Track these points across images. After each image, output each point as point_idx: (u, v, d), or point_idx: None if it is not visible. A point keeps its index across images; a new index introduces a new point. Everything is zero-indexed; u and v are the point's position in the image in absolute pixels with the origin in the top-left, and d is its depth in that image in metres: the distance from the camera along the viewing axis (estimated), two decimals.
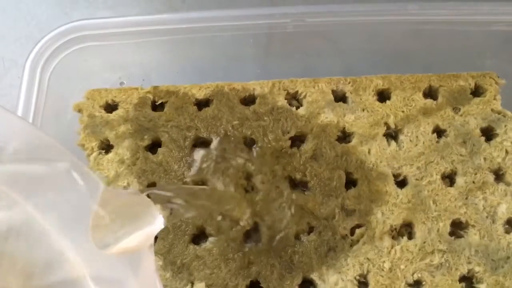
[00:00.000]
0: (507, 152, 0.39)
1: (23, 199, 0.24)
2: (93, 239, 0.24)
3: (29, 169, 0.24)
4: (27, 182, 0.24)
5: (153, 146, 0.40)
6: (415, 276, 0.35)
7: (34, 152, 0.25)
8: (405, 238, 0.36)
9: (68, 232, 0.24)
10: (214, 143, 0.39)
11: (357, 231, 0.36)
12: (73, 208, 0.25)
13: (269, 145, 0.39)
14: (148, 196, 0.33)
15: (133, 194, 0.27)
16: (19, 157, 0.24)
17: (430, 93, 0.42)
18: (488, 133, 0.40)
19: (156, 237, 0.35)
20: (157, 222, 0.26)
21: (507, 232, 0.37)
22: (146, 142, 0.39)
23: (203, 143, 0.40)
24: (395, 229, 0.37)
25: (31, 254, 0.24)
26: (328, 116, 0.40)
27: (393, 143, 0.39)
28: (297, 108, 0.41)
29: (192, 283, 0.35)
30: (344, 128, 0.40)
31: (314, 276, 0.35)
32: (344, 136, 0.40)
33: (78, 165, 0.25)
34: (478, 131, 0.39)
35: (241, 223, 0.36)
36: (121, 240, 0.25)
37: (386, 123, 0.40)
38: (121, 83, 0.45)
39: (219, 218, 0.36)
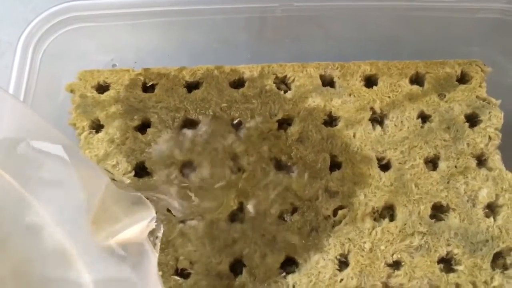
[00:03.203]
0: (490, 138, 0.39)
1: (25, 190, 0.24)
2: (91, 231, 0.24)
3: (33, 160, 0.25)
4: (31, 173, 0.25)
5: (143, 127, 0.40)
6: (395, 257, 0.36)
7: (39, 145, 0.25)
8: (386, 220, 0.37)
9: (67, 225, 0.24)
10: (203, 125, 0.40)
11: (340, 212, 0.37)
12: (73, 202, 0.25)
13: (257, 127, 0.39)
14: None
15: (131, 190, 0.27)
16: (25, 149, 0.25)
17: (417, 80, 0.42)
18: (472, 120, 0.41)
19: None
20: (153, 217, 0.27)
21: (486, 216, 0.37)
22: (136, 122, 0.40)
23: (192, 124, 0.40)
24: (377, 211, 0.37)
25: (28, 246, 0.24)
26: (315, 100, 0.41)
27: (378, 127, 0.40)
28: (285, 92, 0.41)
29: (177, 259, 0.36)
30: (330, 112, 0.40)
31: (296, 255, 0.36)
32: (331, 120, 0.41)
33: (83, 160, 0.26)
34: (462, 117, 0.40)
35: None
36: (118, 233, 0.25)
37: (372, 108, 0.40)
38: (113, 65, 0.45)
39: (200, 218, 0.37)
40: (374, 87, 0.41)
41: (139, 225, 0.26)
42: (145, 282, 0.25)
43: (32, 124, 0.26)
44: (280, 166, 0.39)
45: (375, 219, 0.37)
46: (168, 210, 0.37)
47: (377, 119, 0.41)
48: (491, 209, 0.38)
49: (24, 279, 0.24)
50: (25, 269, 0.24)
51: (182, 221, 0.37)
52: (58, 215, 0.24)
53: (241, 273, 0.36)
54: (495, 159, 0.39)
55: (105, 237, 0.25)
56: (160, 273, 0.36)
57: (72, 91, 0.41)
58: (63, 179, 0.25)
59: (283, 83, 0.42)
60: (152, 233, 0.27)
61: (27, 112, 0.26)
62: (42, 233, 0.24)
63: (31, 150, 0.25)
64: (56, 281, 0.24)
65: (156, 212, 0.27)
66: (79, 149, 0.25)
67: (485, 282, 0.36)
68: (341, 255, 0.36)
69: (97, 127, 0.40)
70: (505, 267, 0.36)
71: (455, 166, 0.39)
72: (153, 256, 0.26)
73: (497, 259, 0.37)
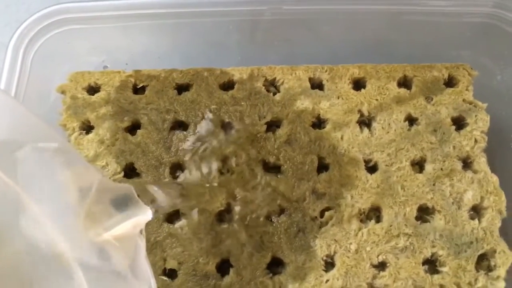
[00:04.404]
0: (476, 141, 0.40)
1: (19, 188, 0.24)
2: (84, 227, 0.25)
3: (27, 159, 0.25)
4: (25, 172, 0.25)
5: (133, 128, 0.41)
6: (380, 258, 0.36)
7: (35, 145, 0.26)
8: (372, 221, 0.38)
9: (60, 221, 0.25)
10: (192, 126, 0.40)
11: (327, 213, 0.38)
12: (66, 198, 0.25)
13: (245, 129, 0.40)
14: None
15: (124, 187, 0.28)
16: (20, 149, 0.25)
17: (405, 83, 0.43)
18: (459, 123, 0.41)
19: None
20: (145, 213, 0.27)
21: (471, 218, 0.38)
22: (126, 123, 0.40)
23: (181, 126, 0.41)
24: (364, 212, 0.38)
25: (22, 243, 0.24)
26: (304, 103, 0.41)
27: (365, 130, 0.40)
28: (274, 94, 0.42)
29: (165, 260, 0.36)
30: (319, 114, 0.41)
31: (283, 256, 0.37)
32: (319, 122, 0.41)
33: (77, 158, 0.26)
34: (449, 120, 0.41)
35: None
36: (110, 228, 0.26)
37: (359, 111, 0.41)
38: (105, 67, 0.46)
39: (195, 212, 0.37)
40: (362, 90, 0.42)
41: (132, 221, 0.26)
42: (138, 276, 0.26)
43: (28, 124, 0.26)
44: (268, 167, 0.39)
45: (361, 221, 0.38)
46: (152, 202, 0.37)
47: (365, 122, 0.41)
48: (476, 211, 0.38)
49: (18, 276, 0.24)
50: (19, 265, 0.24)
51: (170, 222, 0.37)
52: (52, 212, 0.25)
53: (228, 273, 0.36)
54: (481, 162, 0.39)
55: (98, 233, 0.25)
56: None
57: (63, 92, 0.42)
58: (57, 177, 0.25)
59: (272, 85, 0.43)
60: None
61: (24, 112, 0.26)
62: (36, 229, 0.24)
63: (27, 150, 0.25)
64: (49, 277, 0.24)
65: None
66: (72, 147, 0.25)
67: (469, 284, 0.36)
68: (327, 256, 0.37)
69: (87, 128, 0.41)
70: (489, 269, 0.37)
71: (441, 169, 0.39)
72: (145, 251, 0.27)
73: (482, 260, 0.37)
